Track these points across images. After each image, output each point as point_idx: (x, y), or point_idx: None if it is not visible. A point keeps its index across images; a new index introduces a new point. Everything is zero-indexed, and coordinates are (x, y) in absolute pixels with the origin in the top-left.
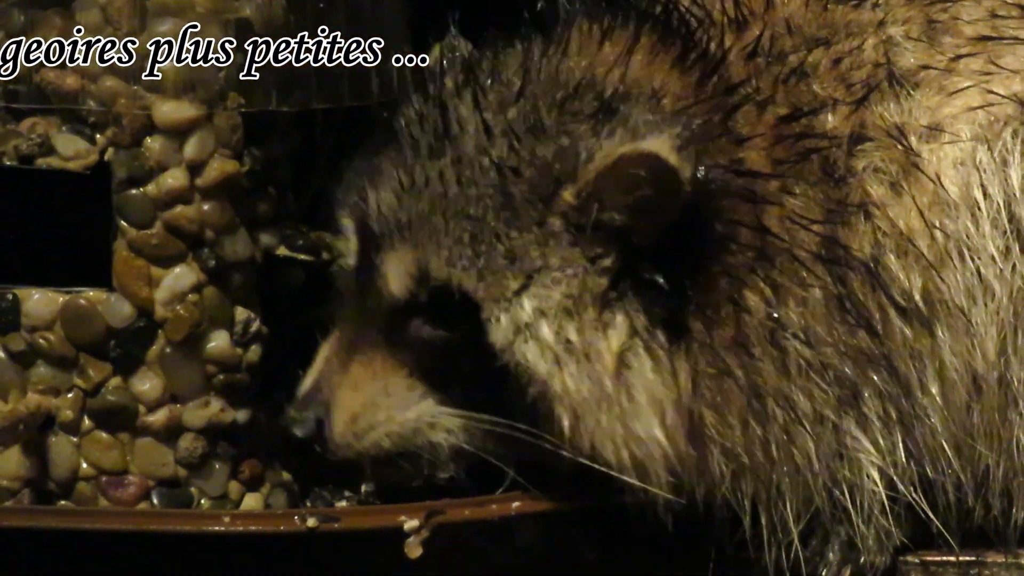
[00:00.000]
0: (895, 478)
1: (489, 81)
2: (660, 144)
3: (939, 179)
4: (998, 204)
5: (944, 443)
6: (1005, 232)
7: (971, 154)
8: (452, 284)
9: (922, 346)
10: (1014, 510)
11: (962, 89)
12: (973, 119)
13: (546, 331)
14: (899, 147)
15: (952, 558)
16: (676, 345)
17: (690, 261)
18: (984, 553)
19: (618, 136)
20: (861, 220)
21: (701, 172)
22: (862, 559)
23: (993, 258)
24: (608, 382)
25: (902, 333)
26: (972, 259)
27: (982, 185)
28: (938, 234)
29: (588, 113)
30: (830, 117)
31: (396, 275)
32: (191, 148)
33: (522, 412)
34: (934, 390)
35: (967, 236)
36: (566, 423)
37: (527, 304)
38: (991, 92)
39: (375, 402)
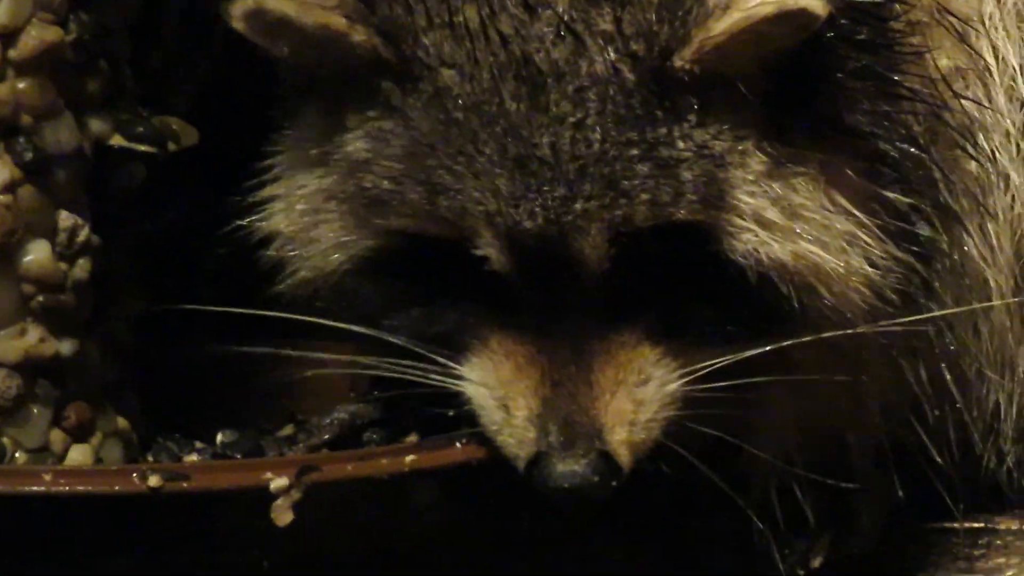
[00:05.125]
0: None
1: None
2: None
3: (956, 35)
4: (1013, 70)
5: (946, 371)
6: (1023, 106)
7: (979, 7)
8: (662, 223)
9: (940, 245)
10: None
11: None
12: None
13: (772, 213)
14: None
15: (955, 525)
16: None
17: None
18: (994, 519)
19: None
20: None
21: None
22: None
23: (1009, 136)
24: (838, 218)
25: (929, 223)
26: (986, 140)
27: (993, 47)
28: (958, 106)
29: None
30: None
31: (594, 253)
32: (2, 12)
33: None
34: (934, 303)
35: (978, 112)
36: (826, 292)
37: (742, 197)
38: None
39: (640, 397)
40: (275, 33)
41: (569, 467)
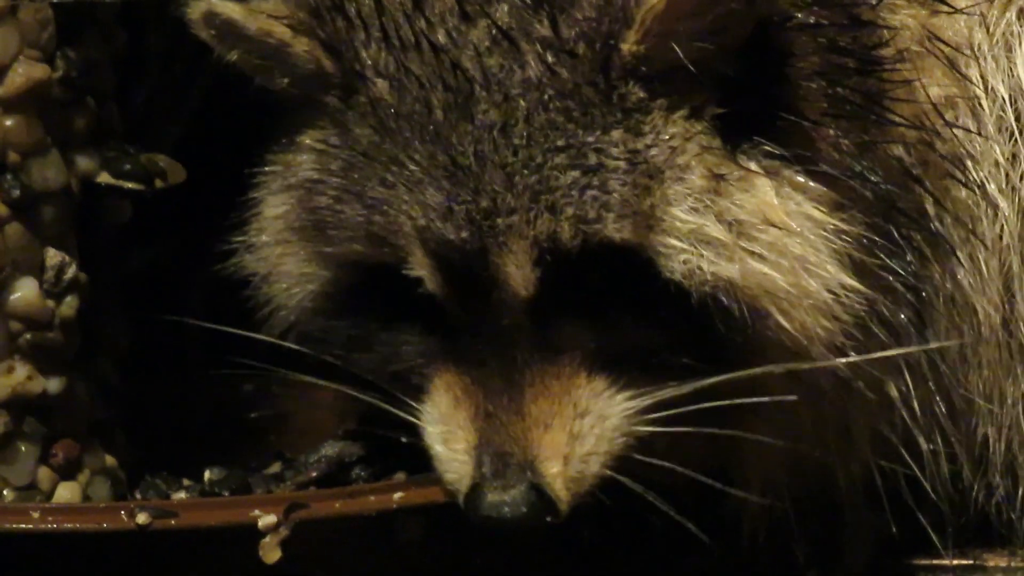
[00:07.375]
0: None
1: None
2: None
3: (946, 63)
4: (1002, 100)
5: (940, 403)
6: (1012, 135)
7: (968, 36)
8: (590, 243)
9: (931, 275)
10: (1020, 493)
11: None
12: None
13: (715, 230)
14: (918, 9)
15: (944, 562)
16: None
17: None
18: (983, 556)
19: None
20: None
21: None
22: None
23: (998, 165)
24: (791, 241)
25: (920, 253)
26: (975, 169)
27: (982, 75)
28: (949, 135)
29: None
30: None
31: (519, 273)
32: None
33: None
34: (928, 334)
35: (968, 140)
36: (781, 316)
37: (678, 214)
38: None
39: (576, 431)
40: (224, 37)
41: (499, 497)
